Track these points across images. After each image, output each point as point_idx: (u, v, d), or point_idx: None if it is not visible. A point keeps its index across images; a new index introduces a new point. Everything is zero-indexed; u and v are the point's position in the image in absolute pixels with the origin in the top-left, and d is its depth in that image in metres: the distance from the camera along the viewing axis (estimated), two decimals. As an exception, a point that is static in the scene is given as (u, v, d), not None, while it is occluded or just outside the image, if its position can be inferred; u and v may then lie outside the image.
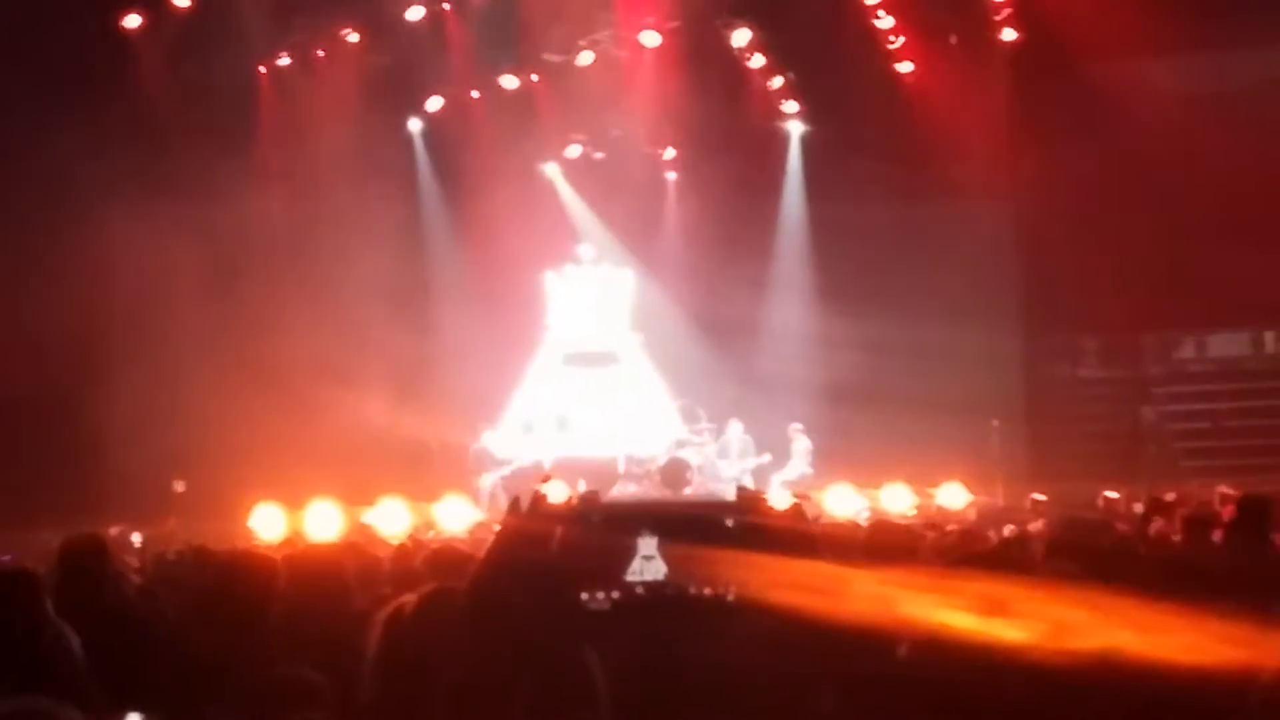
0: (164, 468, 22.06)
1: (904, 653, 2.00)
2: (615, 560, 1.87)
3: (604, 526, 1.88)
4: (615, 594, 1.86)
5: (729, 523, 1.82)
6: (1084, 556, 7.83)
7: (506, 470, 23.23)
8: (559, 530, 1.93)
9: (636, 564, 1.87)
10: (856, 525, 14.56)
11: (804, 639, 2.01)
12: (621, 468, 23.09)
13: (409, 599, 6.23)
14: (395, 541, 16.61)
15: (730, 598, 1.81)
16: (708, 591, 1.84)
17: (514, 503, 1.78)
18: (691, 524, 1.81)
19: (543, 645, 2.04)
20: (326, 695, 4.71)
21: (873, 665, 1.95)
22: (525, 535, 1.92)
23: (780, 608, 1.91)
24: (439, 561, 9.29)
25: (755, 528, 1.84)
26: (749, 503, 1.76)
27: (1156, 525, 14.87)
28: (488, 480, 23.17)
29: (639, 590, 1.86)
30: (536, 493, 1.89)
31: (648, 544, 1.87)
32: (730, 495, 9.23)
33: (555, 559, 1.91)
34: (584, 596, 1.90)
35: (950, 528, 16.17)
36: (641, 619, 1.94)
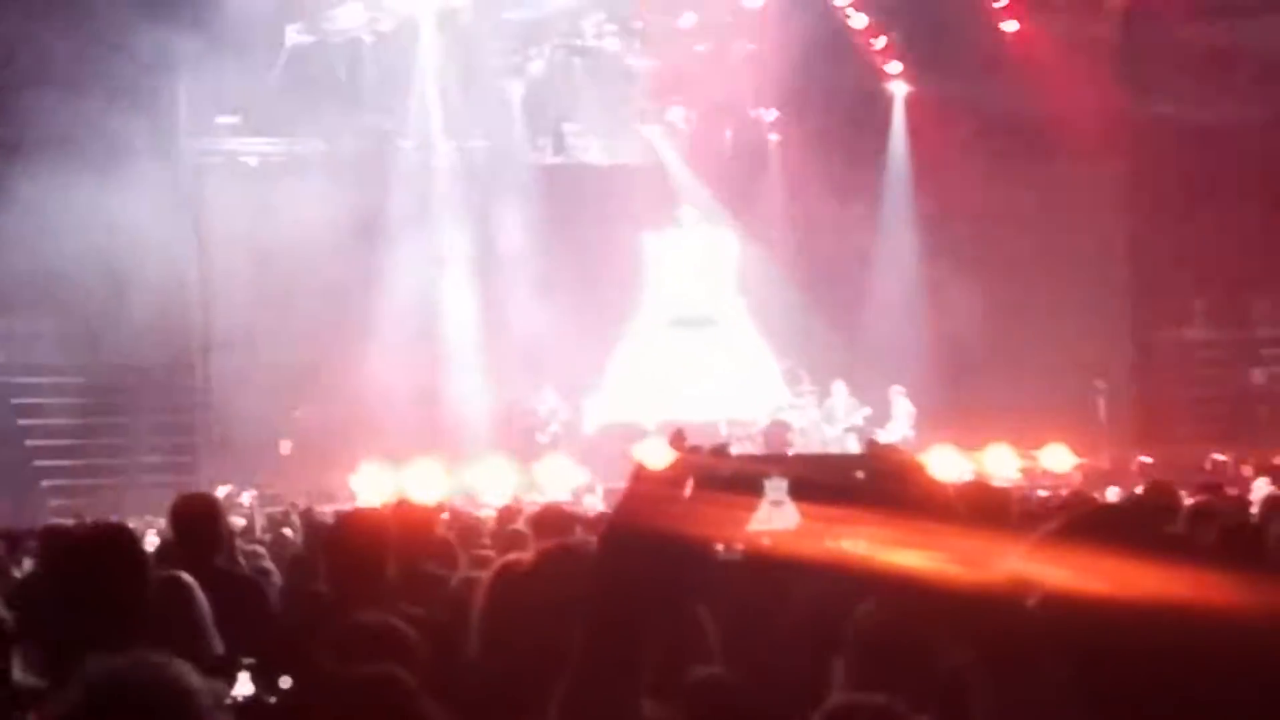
0: (271, 428, 22.23)
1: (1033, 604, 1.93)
2: (744, 510, 1.83)
3: (733, 476, 1.84)
4: (742, 545, 1.81)
5: (859, 475, 1.78)
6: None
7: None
8: (690, 482, 1.89)
9: (764, 511, 1.81)
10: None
11: (931, 598, 1.95)
12: (723, 431, 23.00)
13: (522, 556, 6.22)
14: (498, 502, 16.82)
15: (860, 552, 1.77)
16: (843, 544, 1.79)
17: (643, 453, 1.73)
18: (822, 471, 1.77)
19: (674, 599, 1.98)
20: (414, 646, 4.69)
21: (1003, 620, 1.88)
22: (657, 487, 1.87)
23: (909, 568, 1.84)
24: (542, 522, 9.27)
25: (887, 481, 1.79)
26: (882, 455, 1.71)
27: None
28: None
29: (766, 542, 1.80)
30: (670, 441, 1.85)
31: (777, 488, 1.81)
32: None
33: (687, 510, 1.87)
34: (716, 547, 1.86)
35: (1052, 491, 16.12)
36: (771, 570, 1.90)
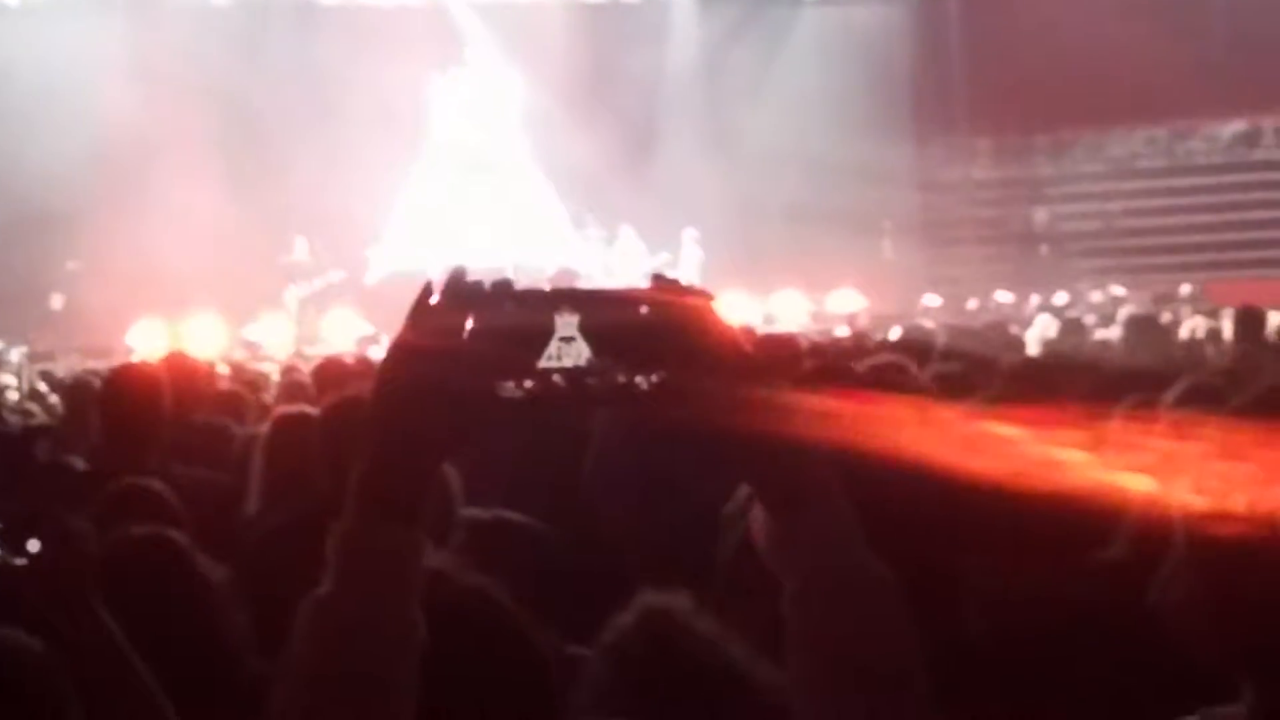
0: (41, 281, 21.58)
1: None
2: (531, 345, 1.68)
3: (518, 310, 1.68)
4: (530, 383, 1.66)
5: (643, 310, 1.64)
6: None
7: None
8: (469, 322, 1.71)
9: (554, 346, 1.66)
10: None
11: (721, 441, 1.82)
12: (509, 276, 22.78)
13: (300, 409, 5.98)
14: (280, 357, 16.51)
15: (648, 386, 1.63)
16: (636, 379, 1.64)
17: (420, 295, 1.60)
18: (610, 307, 1.64)
19: (453, 440, 1.82)
20: (179, 509, 4.60)
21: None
22: (429, 330, 1.69)
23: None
24: (323, 375, 9.00)
25: (674, 318, 1.66)
26: (665, 288, 1.58)
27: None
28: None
29: (556, 379, 1.65)
30: (449, 280, 1.69)
31: (566, 324, 1.65)
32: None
33: (466, 349, 1.69)
34: (500, 386, 1.70)
35: (837, 334, 16.21)
36: (559, 408, 1.75)
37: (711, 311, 1.90)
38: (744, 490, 2.53)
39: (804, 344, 10.75)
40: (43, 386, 13.22)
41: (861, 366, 5.46)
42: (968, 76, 24.73)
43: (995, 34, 24.35)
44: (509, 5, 25.53)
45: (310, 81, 23.52)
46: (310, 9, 24.74)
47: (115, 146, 21.61)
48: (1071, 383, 5.67)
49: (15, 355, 18.52)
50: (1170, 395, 4.26)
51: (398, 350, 1.88)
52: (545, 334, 1.88)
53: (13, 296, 21.23)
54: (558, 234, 24.50)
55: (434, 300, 1.89)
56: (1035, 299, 21.90)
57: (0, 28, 22.97)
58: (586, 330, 1.90)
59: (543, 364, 1.87)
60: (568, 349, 1.90)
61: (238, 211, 21.56)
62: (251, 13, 24.31)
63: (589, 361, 1.88)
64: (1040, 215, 25.82)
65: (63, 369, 15.45)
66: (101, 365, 15.29)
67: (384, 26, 24.41)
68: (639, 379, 1.88)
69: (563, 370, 1.88)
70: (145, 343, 19.78)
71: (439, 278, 1.91)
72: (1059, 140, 26.03)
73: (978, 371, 6.98)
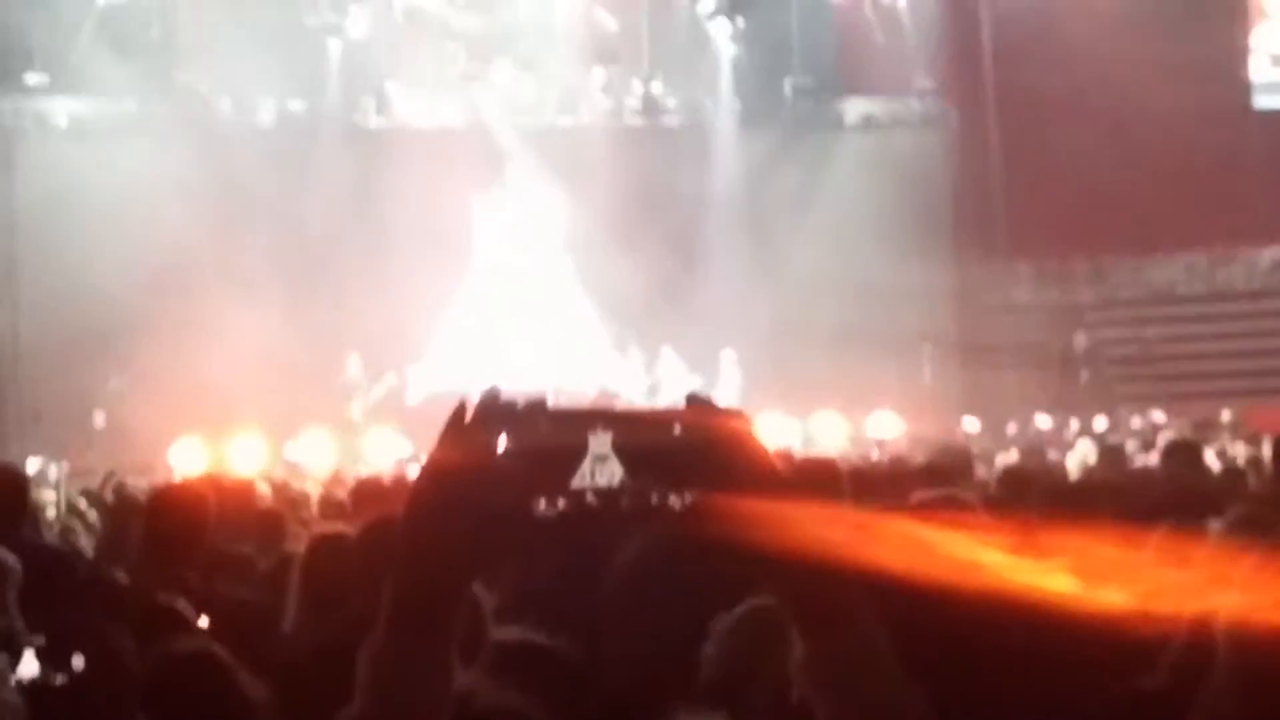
0: (84, 399, 21.68)
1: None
2: (565, 464, 1.69)
3: (552, 430, 1.70)
4: (563, 502, 1.67)
5: (677, 430, 1.65)
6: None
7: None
8: (503, 441, 1.73)
9: (587, 465, 1.67)
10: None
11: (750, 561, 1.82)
12: (550, 401, 22.74)
13: (337, 528, 5.99)
14: (321, 476, 16.50)
15: (680, 506, 1.64)
16: (670, 499, 1.65)
17: (453, 416, 1.61)
18: (643, 427, 1.66)
19: (485, 558, 1.83)
20: (215, 628, 4.60)
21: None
22: (462, 450, 1.71)
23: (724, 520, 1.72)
24: (360, 495, 9.05)
25: (704, 437, 1.66)
26: (700, 409, 1.59)
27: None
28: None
29: (590, 498, 1.66)
30: (484, 398, 1.70)
31: (600, 442, 1.66)
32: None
33: (500, 466, 1.70)
34: (533, 505, 1.71)
35: (877, 457, 16.17)
36: (592, 528, 1.76)
37: (746, 433, 1.91)
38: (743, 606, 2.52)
39: (843, 468, 10.74)
40: (82, 503, 13.22)
41: (915, 499, 5.45)
42: (1007, 201, 24.81)
43: (1034, 160, 24.44)
44: (550, 127, 25.74)
45: (357, 201, 23.78)
46: (356, 131, 25.00)
47: (159, 265, 21.84)
48: (1112, 507, 5.66)
49: (54, 472, 18.53)
50: (1219, 523, 4.24)
51: (430, 469, 1.89)
52: (579, 453, 1.89)
53: (55, 413, 21.35)
54: (599, 356, 24.53)
55: (468, 419, 1.90)
56: (1075, 424, 21.80)
57: (49, 148, 23.25)
58: (620, 450, 1.91)
59: (576, 483, 1.88)
60: (601, 468, 1.90)
61: (282, 329, 21.68)
62: (299, 134, 24.59)
63: (622, 481, 1.89)
64: (1080, 340, 25.76)
65: (103, 486, 15.43)
66: (143, 482, 15.37)
67: (428, 147, 24.62)
68: (673, 499, 1.89)
69: (596, 490, 1.88)
70: (187, 461, 19.84)
71: (475, 397, 1.93)
72: (1098, 265, 26.04)
73: (1018, 496, 6.97)
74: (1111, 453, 14.60)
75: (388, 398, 22.89)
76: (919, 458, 12.76)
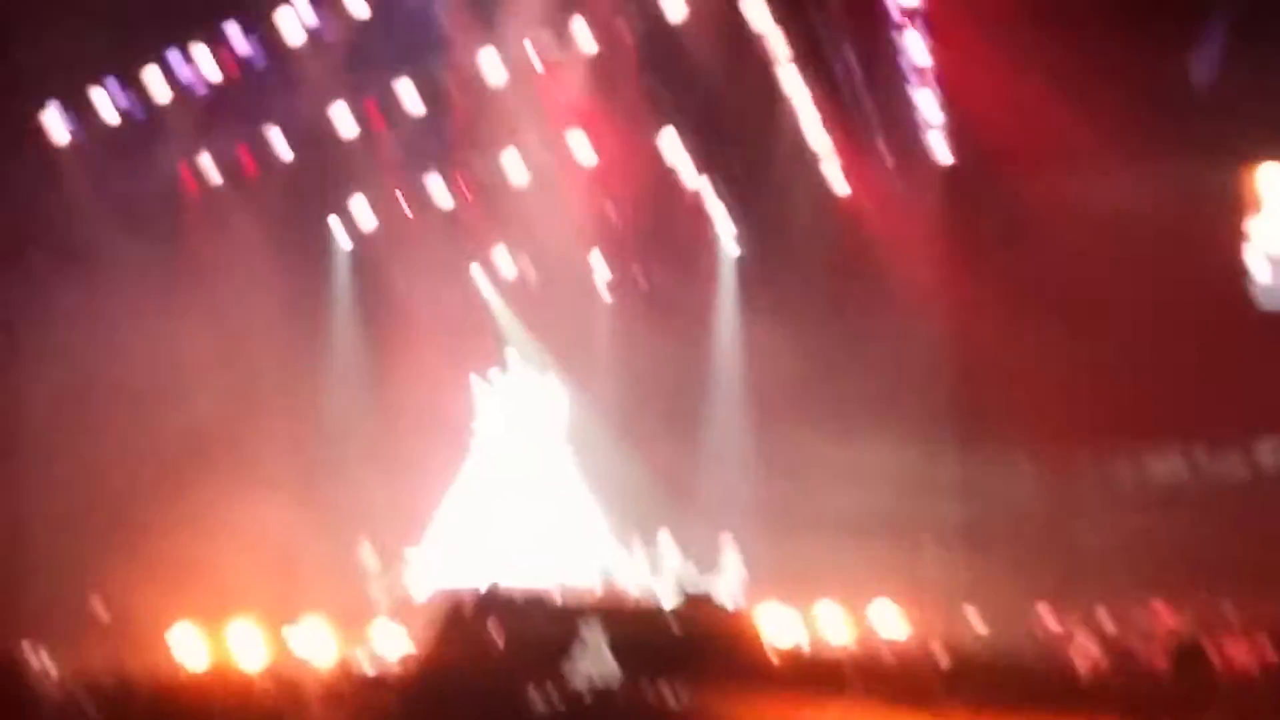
0: (81, 585, 21.55)
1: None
2: (559, 659, 1.70)
3: (547, 625, 1.72)
4: (555, 696, 1.68)
5: (672, 627, 1.64)
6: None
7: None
8: (500, 636, 1.76)
9: (582, 662, 1.69)
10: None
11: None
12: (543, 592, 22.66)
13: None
14: (322, 666, 16.40)
15: (679, 706, 1.64)
16: (666, 699, 1.66)
17: (453, 607, 1.61)
18: (638, 624, 1.65)
19: None
20: None
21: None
22: (466, 640, 1.73)
23: None
24: (363, 685, 9.04)
25: (702, 635, 1.65)
26: (696, 607, 1.57)
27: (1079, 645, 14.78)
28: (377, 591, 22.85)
29: (584, 696, 1.69)
30: (484, 594, 1.72)
31: (596, 639, 1.69)
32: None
33: (495, 660, 1.73)
34: (527, 698, 1.73)
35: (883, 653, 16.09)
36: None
37: (742, 627, 1.94)
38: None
39: (846, 661, 10.73)
40: (83, 695, 13.10)
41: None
42: (1007, 389, 24.81)
43: (1033, 350, 24.50)
44: (551, 312, 25.87)
45: (363, 383, 23.89)
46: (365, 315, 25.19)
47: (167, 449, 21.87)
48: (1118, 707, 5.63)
49: (47, 660, 18.34)
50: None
51: (427, 662, 1.91)
52: (573, 648, 1.92)
53: (49, 600, 21.23)
54: (600, 547, 24.47)
55: (465, 614, 1.92)
56: (1076, 615, 21.65)
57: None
58: (616, 646, 1.94)
59: (573, 681, 1.91)
60: (596, 663, 1.93)
61: (285, 514, 21.68)
62: (307, 316, 24.73)
63: (617, 678, 1.92)
64: (1082, 529, 25.67)
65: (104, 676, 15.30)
66: (143, 673, 15.25)
67: (433, 329, 24.75)
68: (668, 697, 1.92)
69: (591, 687, 1.91)
70: (186, 646, 19.69)
71: (472, 592, 1.96)
72: (1101, 456, 26.01)
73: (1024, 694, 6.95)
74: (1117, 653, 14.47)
75: (396, 585, 22.82)
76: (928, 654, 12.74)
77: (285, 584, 21.72)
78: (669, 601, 15.50)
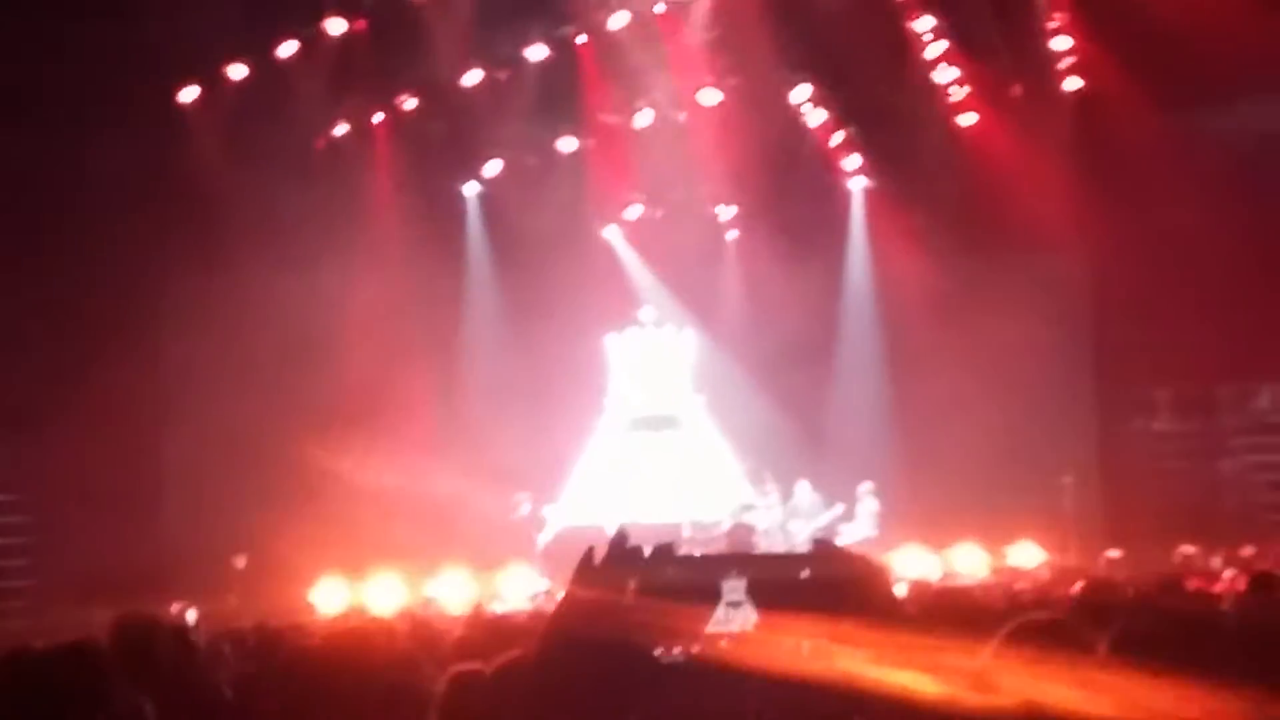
0: (225, 542, 21.89)
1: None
2: (697, 609, 1.68)
3: (681, 577, 1.69)
4: (695, 647, 1.66)
5: (803, 574, 1.63)
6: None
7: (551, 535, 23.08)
8: (632, 584, 1.73)
9: (721, 611, 1.66)
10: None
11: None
12: (686, 534, 22.76)
13: (472, 667, 6.00)
14: (459, 613, 16.54)
15: (803, 653, 1.62)
16: (795, 646, 1.63)
17: (583, 559, 1.61)
18: (769, 571, 1.64)
19: (612, 703, 1.82)
20: None
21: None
22: (593, 592, 1.70)
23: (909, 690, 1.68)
24: (498, 633, 9.08)
25: (839, 580, 1.64)
26: (832, 551, 1.57)
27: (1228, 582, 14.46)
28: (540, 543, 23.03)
29: (723, 644, 1.65)
30: (611, 544, 1.71)
31: (734, 588, 1.66)
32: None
33: (626, 614, 1.70)
34: (659, 651, 1.69)
35: (1020, 587, 15.92)
36: (721, 674, 1.73)
37: (874, 573, 1.90)
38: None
39: (981, 598, 10.60)
40: (226, 647, 13.28)
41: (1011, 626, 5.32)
42: (1147, 328, 24.40)
43: (1174, 287, 24.08)
44: (681, 258, 25.83)
45: (501, 340, 24.11)
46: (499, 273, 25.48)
47: (306, 406, 22.14)
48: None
49: (191, 617, 18.64)
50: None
51: (560, 613, 1.89)
52: (711, 598, 1.89)
53: (194, 557, 21.59)
54: (734, 489, 24.44)
55: (598, 562, 1.90)
56: (1220, 553, 21.33)
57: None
58: (754, 595, 1.91)
59: (710, 629, 1.87)
60: (735, 613, 1.90)
61: (428, 468, 21.95)
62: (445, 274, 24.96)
63: (756, 626, 1.88)
64: (1225, 466, 25.29)
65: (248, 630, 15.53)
66: (285, 624, 15.47)
67: (566, 285, 24.80)
68: (804, 644, 1.88)
69: (730, 635, 1.88)
70: (327, 601, 19.99)
71: (604, 538, 1.93)
72: (1242, 390, 25.57)
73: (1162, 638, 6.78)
74: (1261, 581, 14.13)
75: (534, 535, 23.02)
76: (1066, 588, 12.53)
77: (426, 536, 21.95)
78: (805, 546, 15.32)
